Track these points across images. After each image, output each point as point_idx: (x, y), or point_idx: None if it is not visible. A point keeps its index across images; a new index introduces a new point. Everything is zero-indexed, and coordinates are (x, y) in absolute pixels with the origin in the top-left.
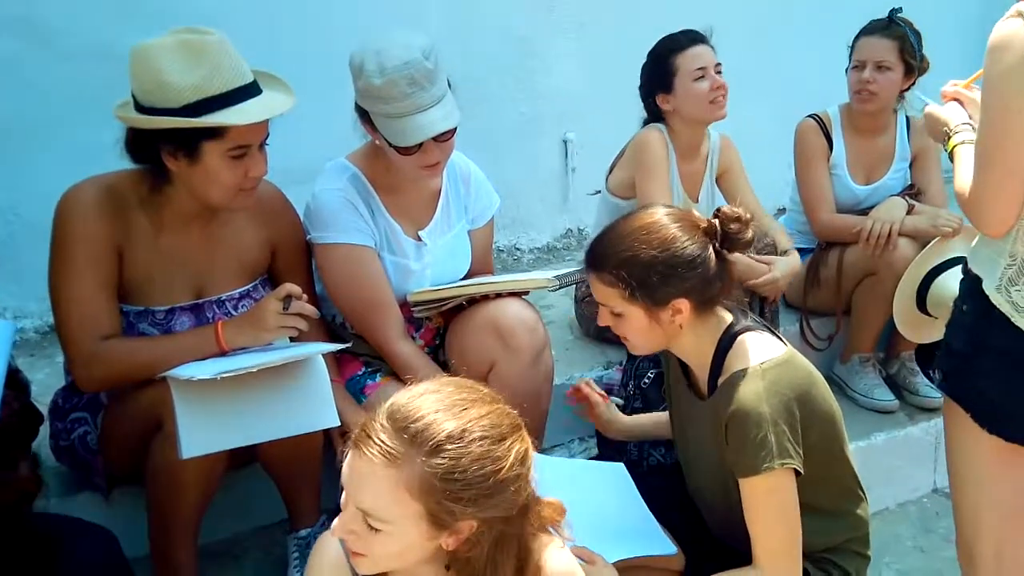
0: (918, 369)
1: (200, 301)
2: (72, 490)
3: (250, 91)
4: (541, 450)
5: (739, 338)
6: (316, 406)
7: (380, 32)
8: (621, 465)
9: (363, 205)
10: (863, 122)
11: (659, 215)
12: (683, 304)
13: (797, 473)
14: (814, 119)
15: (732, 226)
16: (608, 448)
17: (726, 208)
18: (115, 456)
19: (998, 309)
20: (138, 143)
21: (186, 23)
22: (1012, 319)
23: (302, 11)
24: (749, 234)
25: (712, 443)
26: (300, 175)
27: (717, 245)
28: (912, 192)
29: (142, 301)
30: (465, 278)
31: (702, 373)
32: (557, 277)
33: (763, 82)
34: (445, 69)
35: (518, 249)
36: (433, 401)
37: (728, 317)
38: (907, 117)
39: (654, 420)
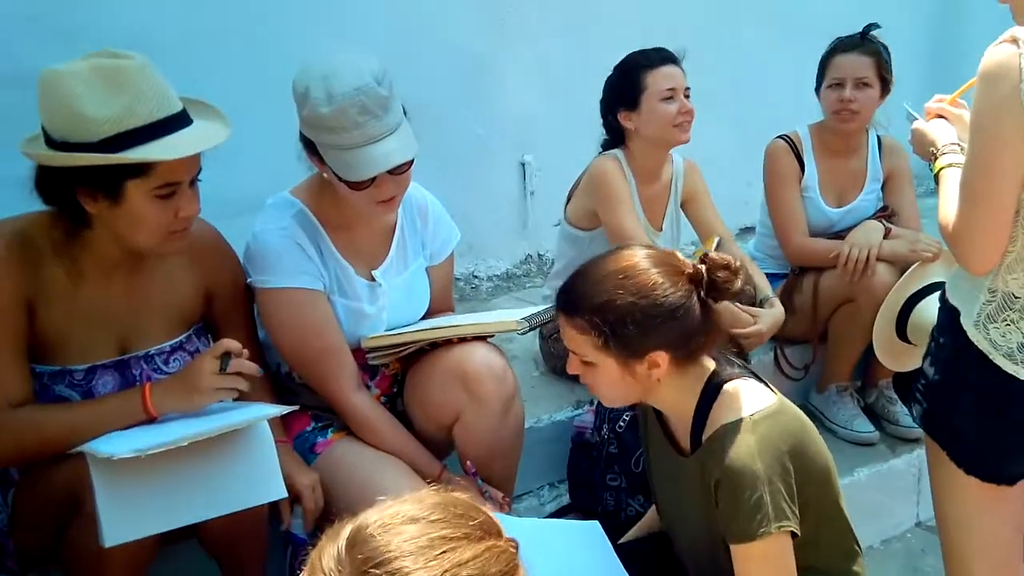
0: (896, 398)
1: (125, 357)
2: None
3: (178, 122)
4: (510, 506)
5: (724, 387)
6: (260, 477)
7: (325, 54)
8: (596, 524)
9: (310, 245)
10: (836, 143)
11: (639, 257)
12: (661, 357)
13: (793, 535)
14: (784, 140)
15: (720, 274)
16: (581, 496)
17: (714, 254)
18: (28, 538)
19: (976, 345)
20: (50, 183)
21: (108, 45)
22: (990, 356)
23: (237, 30)
24: (738, 284)
25: (698, 503)
26: (237, 207)
27: (702, 294)
28: (886, 214)
29: (58, 360)
30: (424, 318)
31: (683, 426)
32: (525, 319)
33: (718, 102)
34: (399, 95)
35: (476, 277)
36: (407, 538)
37: (710, 364)
38: (878, 136)
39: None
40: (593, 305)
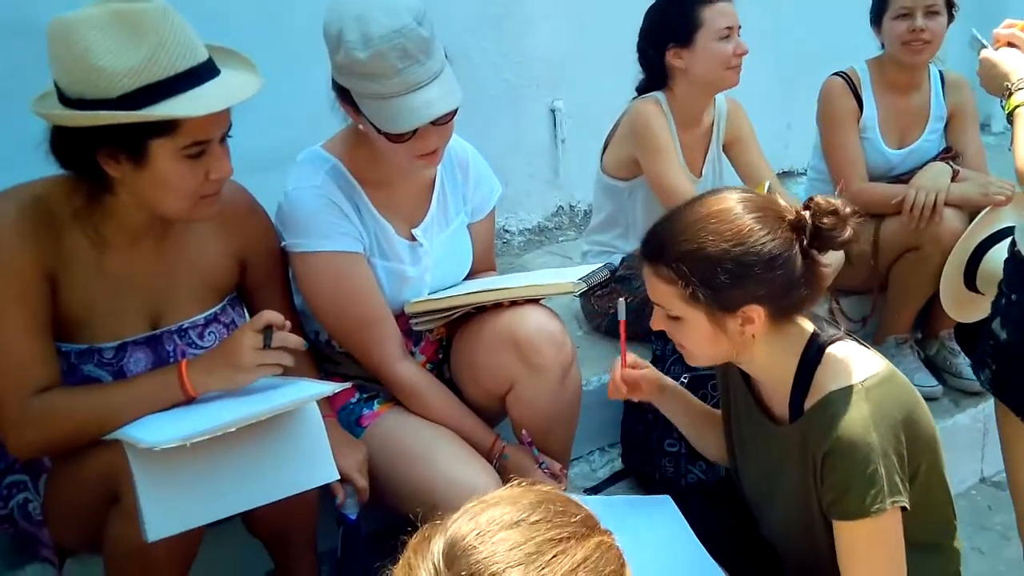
0: (959, 349)
1: (158, 332)
2: (16, 562)
3: (205, 73)
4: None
5: (828, 350)
6: (310, 460)
7: None
8: (667, 498)
9: (347, 203)
10: (900, 78)
11: (733, 201)
12: (756, 312)
13: (903, 509)
14: (841, 77)
15: (826, 220)
16: (636, 461)
17: (820, 198)
18: (64, 529)
19: None
20: (67, 145)
21: None
22: None
23: None
24: (847, 232)
25: (795, 475)
26: (259, 162)
27: (805, 243)
28: (951, 155)
29: (85, 338)
30: (467, 278)
31: (779, 392)
32: (583, 279)
33: (755, 37)
34: (440, 37)
35: (507, 231)
36: (512, 545)
37: (809, 325)
38: (940, 72)
39: (697, 410)
40: (681, 252)
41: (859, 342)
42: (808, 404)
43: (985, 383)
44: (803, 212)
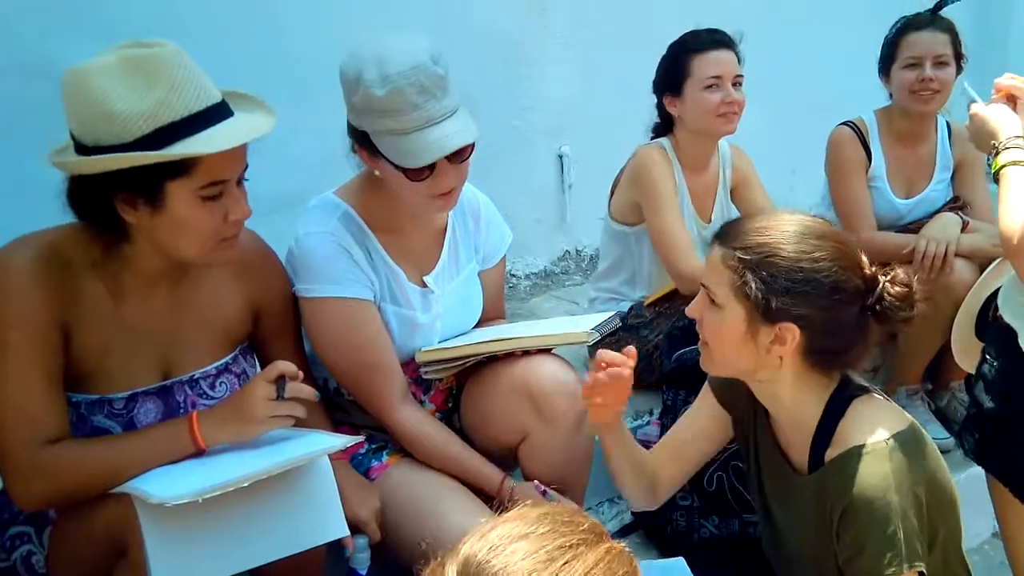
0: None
1: (168, 382)
2: None
3: (219, 113)
4: None
5: (855, 402)
6: (321, 515)
7: (372, 38)
8: (681, 560)
9: (358, 249)
10: (907, 128)
11: (825, 230)
12: (792, 333)
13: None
14: (849, 126)
15: (895, 290)
16: (646, 515)
17: (902, 270)
18: None
19: None
20: (84, 193)
21: (125, 34)
22: None
23: (272, 20)
24: (908, 313)
25: (811, 529)
26: (269, 204)
27: (869, 302)
28: (958, 205)
29: (96, 388)
30: (477, 326)
31: (800, 439)
32: (595, 328)
33: (761, 85)
34: (455, 78)
35: (513, 276)
36: (524, 555)
37: (838, 376)
38: (948, 123)
39: (641, 460)
40: (756, 243)
41: (886, 398)
42: (829, 455)
43: (969, 452)
44: (880, 275)
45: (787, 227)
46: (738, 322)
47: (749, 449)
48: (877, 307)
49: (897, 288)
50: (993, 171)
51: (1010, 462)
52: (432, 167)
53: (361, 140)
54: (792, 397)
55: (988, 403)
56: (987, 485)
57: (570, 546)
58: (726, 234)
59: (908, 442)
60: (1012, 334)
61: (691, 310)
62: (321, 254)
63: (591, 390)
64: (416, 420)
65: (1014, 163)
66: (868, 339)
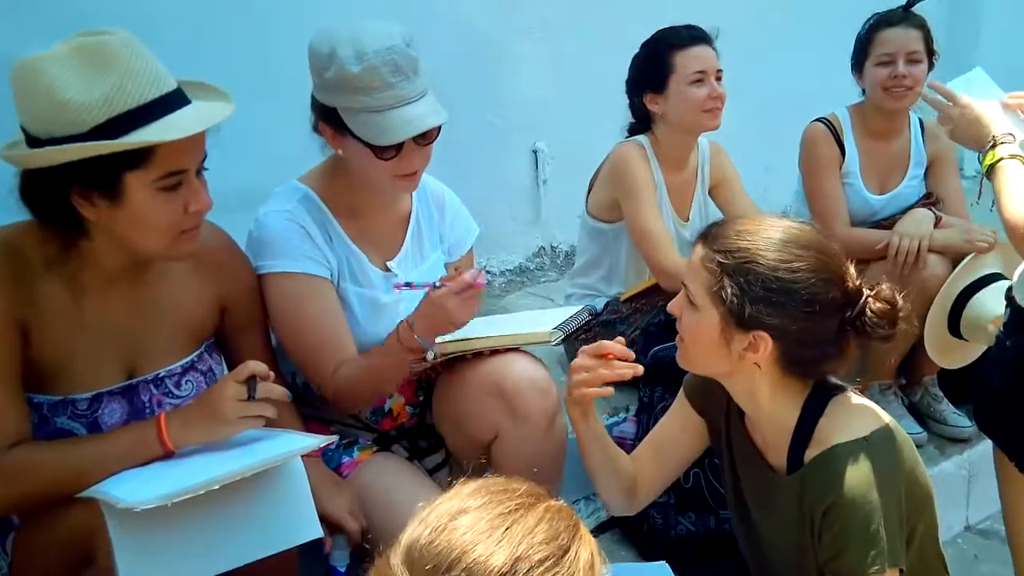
0: (942, 395)
1: (133, 381)
2: None
3: (175, 101)
4: None
5: (832, 401)
6: (294, 517)
7: (345, 22)
8: (664, 564)
9: (316, 229)
10: (881, 124)
11: (811, 238)
12: (764, 342)
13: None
14: (823, 123)
15: (877, 306)
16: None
17: (888, 287)
18: None
19: None
20: (38, 189)
21: (91, 27)
22: None
23: (232, 9)
24: (887, 331)
25: (791, 528)
26: (233, 200)
27: (849, 316)
28: (931, 201)
29: (59, 389)
30: None
31: (778, 440)
32: (558, 327)
33: (735, 83)
34: (429, 70)
35: (488, 272)
36: (466, 529)
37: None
38: (920, 120)
39: (616, 458)
40: (735, 247)
41: (862, 396)
42: (809, 455)
43: (976, 422)
44: (864, 289)
45: (770, 233)
46: (713, 325)
47: (723, 451)
48: (857, 322)
49: (879, 304)
50: (987, 163)
51: (1012, 434)
52: (399, 147)
53: (328, 117)
54: (769, 399)
55: (995, 380)
56: (994, 463)
57: (509, 512)
58: (710, 235)
59: (886, 440)
60: None
61: (672, 306)
62: (276, 230)
63: (582, 382)
64: (350, 374)
65: (1012, 157)
66: (846, 352)
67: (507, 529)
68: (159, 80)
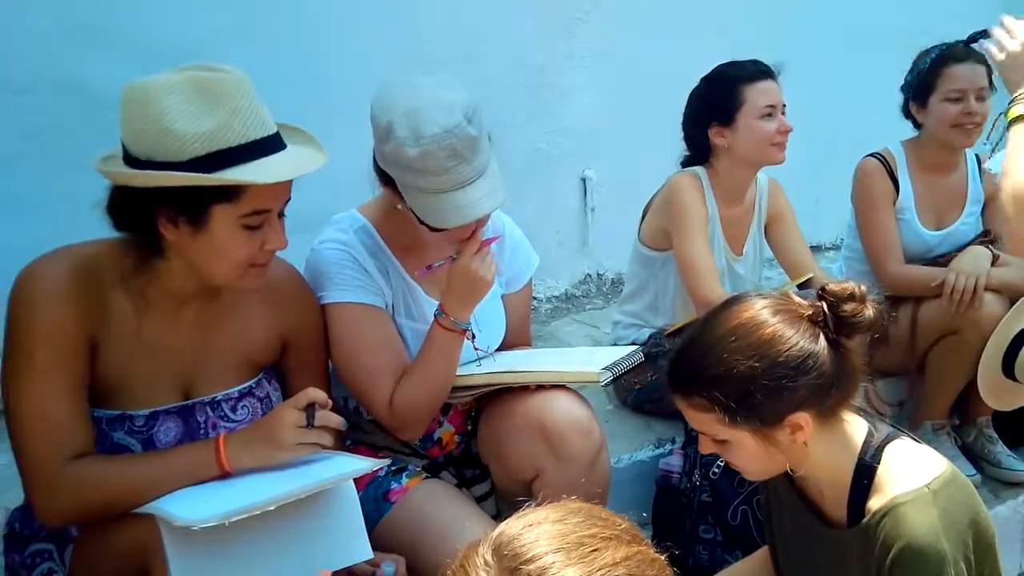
0: (997, 437)
1: (190, 402)
2: None
3: (273, 144)
4: None
5: (887, 450)
6: (345, 538)
7: (405, 82)
8: None
9: (371, 262)
10: (939, 159)
11: (750, 311)
12: (803, 419)
13: None
14: (876, 158)
15: (846, 307)
16: (667, 546)
17: (833, 285)
18: None
19: None
20: (128, 206)
21: (152, 56)
22: None
23: (303, 44)
24: (869, 312)
25: None
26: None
27: (831, 335)
28: (990, 239)
29: (118, 404)
30: (499, 350)
31: (834, 494)
32: (608, 368)
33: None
34: (486, 129)
35: (535, 298)
36: (553, 536)
37: (862, 422)
38: (976, 156)
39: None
40: (708, 378)
41: (914, 439)
42: (871, 507)
43: None
44: (819, 304)
45: (721, 343)
46: (750, 443)
47: (772, 504)
48: (841, 331)
49: (844, 304)
50: (1012, 115)
51: None
52: None
53: (387, 181)
54: (824, 460)
55: None
56: None
57: (602, 537)
58: (680, 384)
59: (949, 485)
60: None
61: (703, 448)
62: (330, 262)
63: None
64: (404, 397)
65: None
66: (853, 359)
67: (593, 551)
68: (262, 123)
